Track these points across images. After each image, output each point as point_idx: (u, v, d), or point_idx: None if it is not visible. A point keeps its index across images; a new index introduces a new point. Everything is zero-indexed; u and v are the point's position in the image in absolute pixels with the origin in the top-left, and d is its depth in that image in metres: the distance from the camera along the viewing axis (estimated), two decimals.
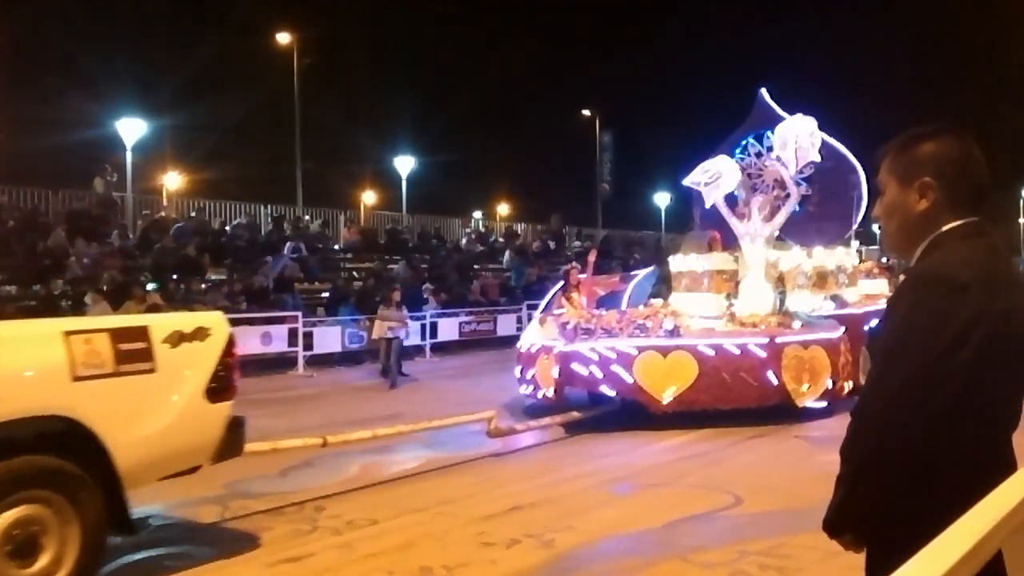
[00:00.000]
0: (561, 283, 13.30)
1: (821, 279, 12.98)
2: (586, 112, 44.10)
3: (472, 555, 5.69)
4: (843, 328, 11.22)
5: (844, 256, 13.68)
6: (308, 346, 17.60)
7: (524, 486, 7.55)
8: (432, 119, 41.57)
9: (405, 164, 36.04)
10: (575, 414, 10.31)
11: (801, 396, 10.29)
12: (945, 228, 2.01)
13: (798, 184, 13.21)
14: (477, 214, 38.44)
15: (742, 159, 13.16)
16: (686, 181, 12.34)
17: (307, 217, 27.78)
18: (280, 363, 17.26)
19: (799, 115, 12.21)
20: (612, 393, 10.35)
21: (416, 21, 45.83)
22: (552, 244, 31.91)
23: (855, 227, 13.69)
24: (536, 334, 11.66)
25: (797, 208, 13.43)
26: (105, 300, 15.48)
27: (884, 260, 21.59)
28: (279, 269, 21.10)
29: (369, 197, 40.70)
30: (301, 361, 17.28)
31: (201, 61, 32.97)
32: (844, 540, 2.04)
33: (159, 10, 37.08)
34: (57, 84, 29.45)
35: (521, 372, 11.41)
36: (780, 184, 12.42)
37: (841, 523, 2.01)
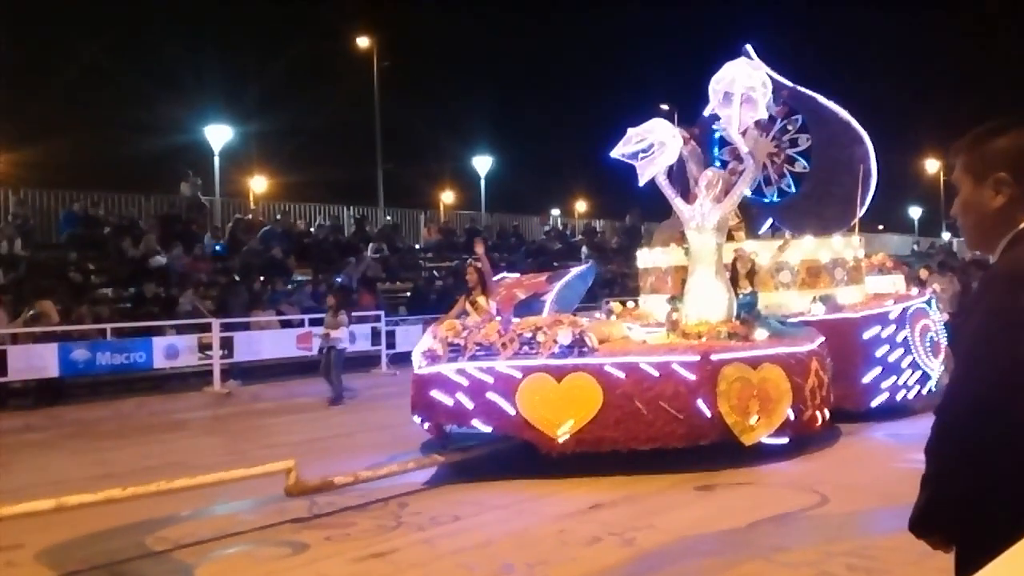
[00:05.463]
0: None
1: (812, 276, 10.71)
2: (664, 106, 43.67)
3: (553, 553, 5.72)
4: (820, 339, 9.04)
5: (844, 247, 11.00)
6: (391, 345, 17.87)
7: (604, 484, 7.53)
8: (510, 117, 41.78)
9: (483, 163, 36.27)
10: (437, 458, 8.12)
11: (749, 431, 7.94)
12: None
13: (794, 160, 11.47)
14: (555, 211, 38.42)
15: (726, 129, 10.65)
16: (614, 153, 9.49)
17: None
18: (364, 362, 17.58)
19: (742, 59, 9.53)
20: (487, 429, 8.16)
21: (492, 20, 46.07)
22: (630, 240, 31.72)
23: (862, 210, 11.27)
24: (426, 349, 8.76)
25: (791, 188, 11.60)
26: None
27: (975, 255, 20.45)
28: (362, 269, 21.46)
29: (448, 196, 41.06)
30: (384, 360, 17.56)
31: (283, 68, 33.77)
32: (932, 540, 2.02)
33: (243, 20, 38.05)
34: (149, 92, 30.50)
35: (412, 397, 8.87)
36: (736, 154, 9.78)
37: (927, 524, 1.98)
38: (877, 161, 11.35)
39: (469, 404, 8.01)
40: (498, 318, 8.83)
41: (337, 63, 34.12)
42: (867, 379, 10.05)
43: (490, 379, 7.97)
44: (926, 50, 51.17)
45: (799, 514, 6.47)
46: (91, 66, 30.67)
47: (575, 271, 11.42)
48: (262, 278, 19.28)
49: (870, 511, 6.37)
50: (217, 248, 20.97)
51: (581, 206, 43.27)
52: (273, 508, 6.95)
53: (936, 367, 10.83)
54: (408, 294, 21.64)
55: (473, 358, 8.12)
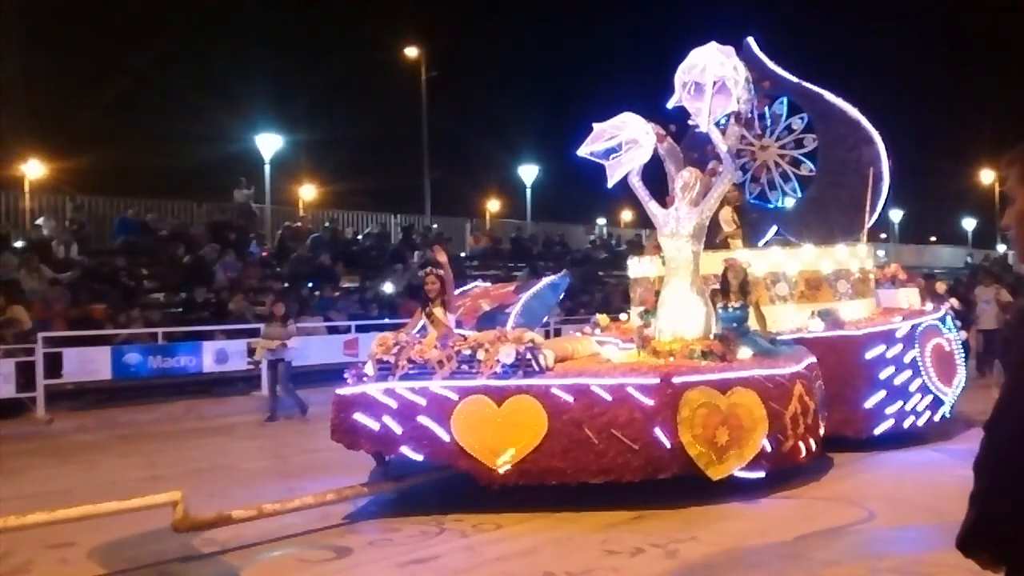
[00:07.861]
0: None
1: (812, 288, 9.72)
2: None
3: (595, 562, 5.71)
4: (809, 359, 8.18)
5: (849, 257, 9.96)
6: None
7: (648, 494, 7.49)
8: (556, 127, 41.66)
9: (529, 172, 36.36)
10: (362, 488, 7.34)
11: (716, 465, 7.02)
12: None
13: (800, 161, 10.75)
14: (601, 221, 38.34)
15: (699, 125, 9.29)
16: (581, 151, 8.62)
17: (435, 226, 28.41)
18: None
19: (712, 44, 8.27)
20: (418, 457, 7.25)
21: (540, 30, 46.19)
22: None
23: (872, 217, 10.44)
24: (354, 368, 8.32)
25: (797, 193, 10.91)
26: None
27: None
28: (408, 276, 21.63)
29: (494, 205, 41.19)
30: None
31: (333, 78, 34.20)
32: (980, 559, 1.98)
33: (293, 31, 38.64)
34: (201, 101, 31.04)
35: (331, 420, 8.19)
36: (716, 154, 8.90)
37: (975, 542, 1.95)
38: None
39: (398, 429, 7.18)
40: (457, 332, 8.03)
41: (385, 73, 34.51)
42: (870, 404, 9.05)
43: (422, 401, 7.15)
44: (980, 59, 50.24)
45: (846, 529, 6.39)
46: (144, 77, 31.34)
47: (545, 281, 10.58)
48: (310, 284, 19.52)
49: (918, 527, 6.26)
50: (263, 254, 21.28)
51: (627, 215, 43.11)
52: (318, 513, 7.02)
53: (950, 391, 9.93)
54: None
55: (405, 377, 7.27)
